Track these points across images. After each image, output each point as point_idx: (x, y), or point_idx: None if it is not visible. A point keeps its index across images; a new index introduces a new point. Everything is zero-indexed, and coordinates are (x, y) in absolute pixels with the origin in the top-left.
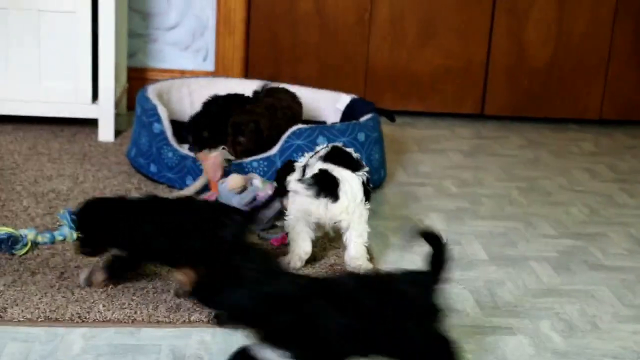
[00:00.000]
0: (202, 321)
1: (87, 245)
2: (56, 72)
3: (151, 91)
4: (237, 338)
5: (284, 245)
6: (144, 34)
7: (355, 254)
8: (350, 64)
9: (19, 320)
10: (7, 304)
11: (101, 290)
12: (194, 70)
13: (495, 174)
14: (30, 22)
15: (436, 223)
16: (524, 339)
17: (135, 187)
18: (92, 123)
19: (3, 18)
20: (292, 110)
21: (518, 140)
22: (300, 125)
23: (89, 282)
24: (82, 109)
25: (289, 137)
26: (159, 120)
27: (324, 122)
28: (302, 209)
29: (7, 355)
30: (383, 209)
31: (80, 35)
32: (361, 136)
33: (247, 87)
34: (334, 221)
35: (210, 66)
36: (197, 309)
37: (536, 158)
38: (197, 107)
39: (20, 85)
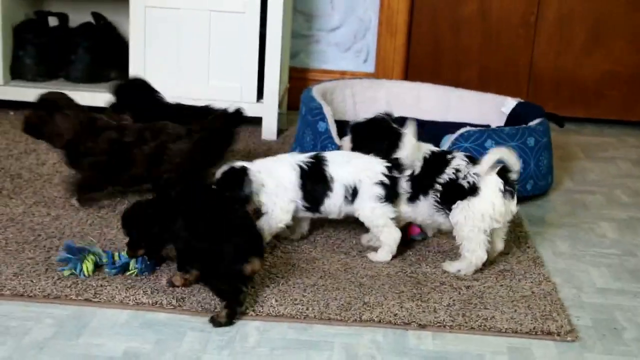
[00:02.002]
0: (374, 320)
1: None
2: (224, 72)
3: (316, 91)
4: (409, 339)
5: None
6: (307, 34)
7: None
8: (513, 68)
9: (196, 311)
10: (185, 295)
11: (273, 285)
12: (354, 71)
13: None
14: (201, 22)
15: (608, 232)
16: None
17: None
18: (255, 122)
19: (175, 18)
20: None
21: None
22: (469, 128)
23: (171, 284)
24: (248, 108)
25: (457, 139)
26: (324, 119)
27: (487, 126)
28: (488, 212)
29: (188, 343)
30: (551, 216)
31: (248, 35)
32: (531, 141)
33: (407, 89)
34: (507, 220)
35: (370, 68)
36: (369, 307)
37: None
38: (359, 107)
39: (190, 84)
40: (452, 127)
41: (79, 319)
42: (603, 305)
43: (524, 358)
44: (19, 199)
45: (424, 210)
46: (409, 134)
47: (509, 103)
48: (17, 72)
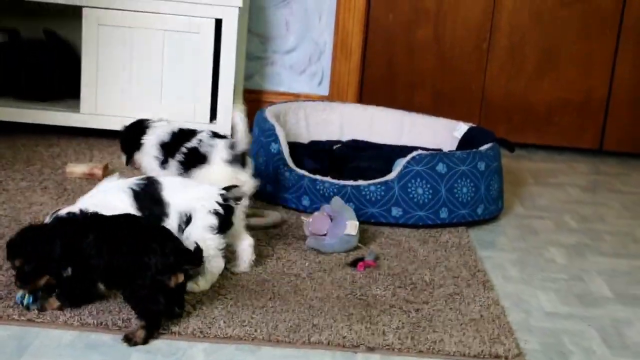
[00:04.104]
0: (322, 343)
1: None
2: (177, 92)
3: (269, 112)
4: None
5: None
6: (262, 56)
7: None
8: (466, 92)
9: None
10: (130, 315)
11: (222, 306)
12: (309, 94)
13: (617, 211)
14: (155, 42)
15: (556, 257)
16: None
17: (253, 207)
18: None
19: (129, 36)
20: None
21: None
22: (420, 152)
23: (43, 308)
24: (201, 128)
25: (409, 162)
26: (276, 140)
27: (439, 150)
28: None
29: None
30: (501, 240)
31: (202, 55)
32: (481, 165)
33: (361, 112)
34: None
35: (325, 90)
36: (318, 330)
37: None
38: (312, 130)
39: (143, 103)
40: (404, 150)
41: (20, 340)
42: (551, 330)
43: None
44: None
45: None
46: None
47: (461, 127)
48: None
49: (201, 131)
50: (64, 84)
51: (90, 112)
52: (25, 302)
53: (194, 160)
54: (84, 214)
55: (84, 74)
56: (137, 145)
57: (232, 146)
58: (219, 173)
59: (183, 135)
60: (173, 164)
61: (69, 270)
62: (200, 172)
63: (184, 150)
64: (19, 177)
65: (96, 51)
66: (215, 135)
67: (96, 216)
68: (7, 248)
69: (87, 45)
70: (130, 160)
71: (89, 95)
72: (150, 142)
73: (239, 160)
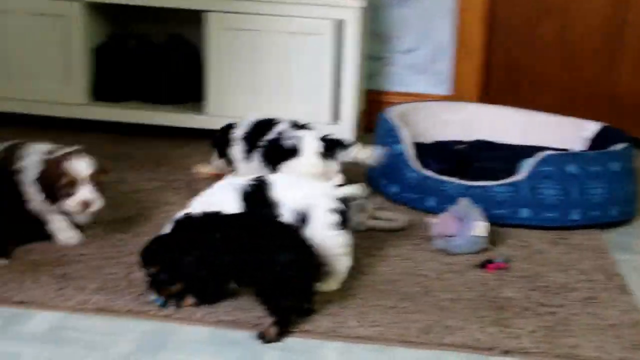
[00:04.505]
0: (455, 345)
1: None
2: (300, 94)
3: (393, 113)
4: None
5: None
6: (382, 57)
7: None
8: (593, 91)
9: None
10: (265, 313)
11: (352, 306)
12: (430, 94)
13: None
14: (278, 45)
15: None
16: None
17: (376, 207)
18: None
19: (253, 40)
20: None
21: None
22: (550, 152)
23: (179, 305)
24: (324, 130)
25: (538, 163)
26: (400, 141)
27: (566, 150)
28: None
29: None
30: (637, 243)
31: (325, 57)
32: (614, 166)
33: (485, 112)
34: None
35: (446, 90)
36: (450, 331)
37: None
38: (436, 130)
39: (267, 106)
40: (530, 151)
41: (159, 335)
42: None
43: None
44: (99, 216)
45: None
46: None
47: (591, 127)
48: (97, 93)
49: (281, 122)
50: (190, 87)
51: (216, 114)
52: (160, 302)
53: (278, 152)
54: (209, 214)
55: (209, 77)
56: (227, 141)
57: (323, 137)
58: (309, 165)
59: (262, 127)
60: (256, 156)
61: (203, 271)
62: (288, 165)
63: (264, 144)
64: (150, 177)
65: (220, 54)
66: (297, 125)
67: (226, 215)
68: (141, 256)
69: (211, 49)
70: (222, 155)
71: (214, 97)
72: (237, 136)
73: (330, 152)
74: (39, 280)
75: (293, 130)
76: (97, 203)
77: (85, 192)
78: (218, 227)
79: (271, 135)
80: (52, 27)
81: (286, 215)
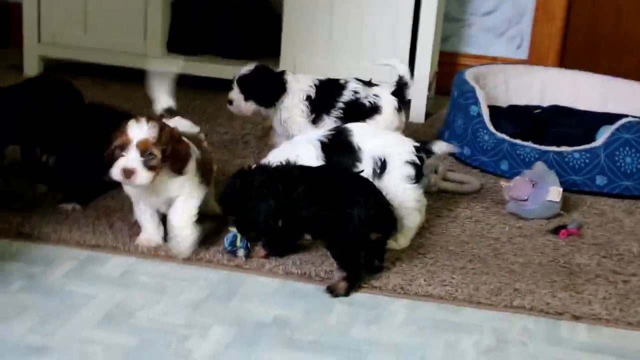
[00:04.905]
0: (525, 307)
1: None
2: (374, 53)
3: (469, 74)
4: (561, 329)
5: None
6: (460, 18)
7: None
8: None
9: None
10: (333, 268)
11: (421, 265)
12: (507, 57)
13: None
14: (354, 3)
15: None
16: None
17: (448, 169)
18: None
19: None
20: None
21: None
22: (630, 118)
23: (250, 255)
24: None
25: (617, 129)
26: (476, 102)
27: None
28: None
29: (336, 316)
30: None
31: (401, 17)
32: None
33: (563, 77)
34: None
35: (523, 54)
36: (520, 294)
37: None
38: (511, 94)
39: (341, 64)
40: (609, 117)
41: (230, 284)
42: None
43: None
44: None
45: None
46: None
47: None
48: (173, 46)
49: (348, 81)
50: (264, 43)
51: (290, 67)
52: (238, 244)
53: (358, 111)
54: (287, 166)
55: (285, 34)
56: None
57: (399, 93)
58: (389, 122)
59: (332, 87)
60: (330, 116)
61: (279, 222)
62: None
63: (341, 105)
64: (222, 130)
65: (297, 12)
66: (366, 83)
67: (304, 168)
68: (221, 203)
69: (289, 6)
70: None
71: (288, 53)
72: (303, 95)
73: (405, 107)
74: (113, 225)
75: (366, 88)
76: (141, 176)
77: (128, 160)
78: (296, 179)
79: (346, 95)
80: None
81: (365, 161)
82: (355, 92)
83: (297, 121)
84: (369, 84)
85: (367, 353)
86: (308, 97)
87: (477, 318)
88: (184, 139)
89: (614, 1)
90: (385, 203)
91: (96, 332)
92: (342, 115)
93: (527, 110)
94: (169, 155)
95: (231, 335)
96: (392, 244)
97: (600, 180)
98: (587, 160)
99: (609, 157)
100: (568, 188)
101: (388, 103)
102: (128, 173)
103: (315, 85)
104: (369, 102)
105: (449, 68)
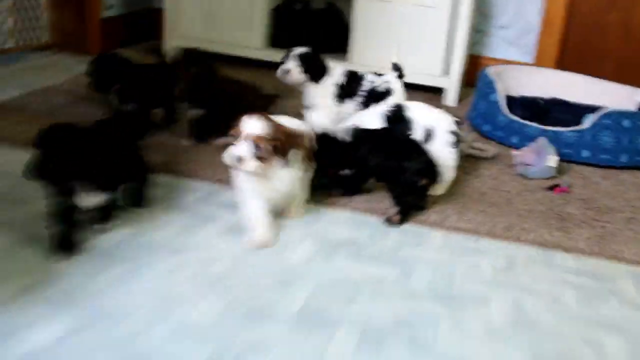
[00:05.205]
0: (529, 241)
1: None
2: (421, 51)
3: (490, 71)
4: (555, 257)
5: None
6: (483, 30)
7: None
8: None
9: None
10: (389, 206)
11: (453, 207)
12: (518, 60)
13: None
14: (407, 14)
15: None
16: None
17: (473, 140)
18: (438, 91)
19: (388, 10)
20: None
21: None
22: (609, 109)
23: (331, 195)
24: (436, 80)
25: (600, 117)
26: (495, 91)
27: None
28: None
29: (391, 240)
30: None
31: (441, 25)
32: None
33: (559, 77)
34: None
35: (530, 59)
36: (526, 232)
37: None
38: (521, 88)
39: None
40: (591, 108)
41: (313, 214)
42: None
43: None
44: None
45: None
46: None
47: None
48: (272, 41)
49: (365, 73)
50: (337, 41)
51: (357, 62)
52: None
53: (377, 96)
54: (362, 129)
55: (354, 35)
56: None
57: (400, 77)
58: (399, 100)
59: (355, 78)
60: (353, 100)
61: (350, 170)
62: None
63: (363, 93)
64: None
65: (363, 19)
66: (378, 74)
67: (370, 130)
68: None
69: (357, 15)
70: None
71: (356, 50)
72: (335, 83)
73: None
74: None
75: (378, 78)
76: (249, 164)
77: (239, 148)
78: (367, 139)
79: (366, 85)
80: None
81: (418, 130)
82: (372, 82)
83: (325, 99)
84: (378, 74)
85: (413, 266)
86: (340, 83)
87: (493, 247)
88: (294, 134)
89: (599, 23)
90: (431, 159)
91: (216, 240)
92: (363, 100)
93: (533, 100)
94: (277, 148)
95: (316, 248)
96: (433, 191)
97: (585, 153)
98: (575, 138)
99: (592, 137)
100: (561, 158)
101: (397, 86)
102: (238, 160)
103: (345, 74)
104: (384, 88)
105: (474, 67)
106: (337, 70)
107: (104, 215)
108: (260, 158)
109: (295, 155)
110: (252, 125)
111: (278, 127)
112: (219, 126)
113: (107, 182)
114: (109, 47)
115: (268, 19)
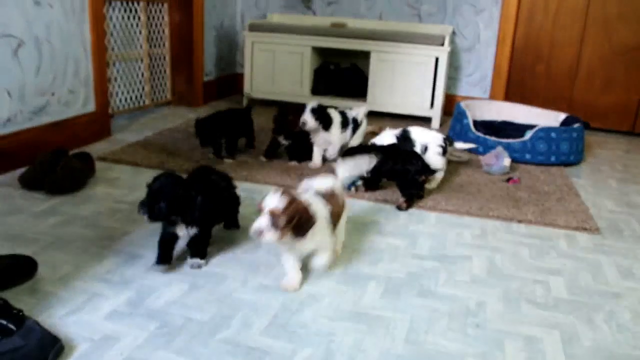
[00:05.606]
0: (495, 216)
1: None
2: (414, 93)
3: (462, 104)
4: (512, 226)
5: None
6: (454, 77)
7: None
8: (562, 98)
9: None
10: (399, 197)
11: (442, 195)
12: (479, 97)
13: None
14: (406, 66)
15: (612, 183)
16: None
17: (453, 150)
18: (428, 119)
19: (393, 65)
20: None
21: None
22: (542, 126)
23: (355, 189)
24: (426, 112)
25: (536, 131)
26: (466, 117)
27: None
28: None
29: (401, 219)
30: (582, 173)
31: (428, 75)
32: (574, 134)
33: (506, 106)
34: None
35: (487, 95)
36: (492, 210)
37: None
38: (482, 114)
39: (397, 100)
40: (530, 127)
41: (349, 203)
42: (611, 218)
43: (571, 241)
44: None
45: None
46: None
47: (561, 116)
48: (314, 91)
49: (345, 110)
50: (359, 89)
51: (372, 103)
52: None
53: (356, 126)
54: (379, 146)
55: (370, 83)
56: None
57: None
58: (366, 128)
59: (346, 114)
60: (348, 130)
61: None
62: (358, 132)
63: (352, 125)
64: None
65: (376, 73)
66: (351, 110)
67: (386, 146)
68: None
69: (372, 69)
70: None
71: (371, 94)
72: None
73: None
74: (291, 174)
75: (353, 112)
76: (267, 236)
77: (260, 222)
78: (382, 151)
79: (351, 117)
80: (296, 58)
81: (417, 146)
82: (354, 117)
83: (334, 137)
84: (350, 109)
85: (417, 237)
86: (340, 120)
87: (471, 221)
88: (310, 209)
89: (531, 71)
90: (427, 163)
91: None
92: (352, 130)
93: (491, 122)
94: (293, 222)
95: (352, 227)
96: (428, 186)
97: (527, 156)
98: (521, 146)
99: (532, 145)
100: (513, 160)
101: (364, 119)
102: (258, 232)
103: (339, 113)
104: (359, 119)
105: (450, 102)
106: (336, 115)
107: (198, 251)
108: (278, 229)
109: (312, 226)
110: (271, 201)
111: (294, 202)
112: (299, 151)
113: (199, 219)
114: (208, 100)
115: (311, 76)
